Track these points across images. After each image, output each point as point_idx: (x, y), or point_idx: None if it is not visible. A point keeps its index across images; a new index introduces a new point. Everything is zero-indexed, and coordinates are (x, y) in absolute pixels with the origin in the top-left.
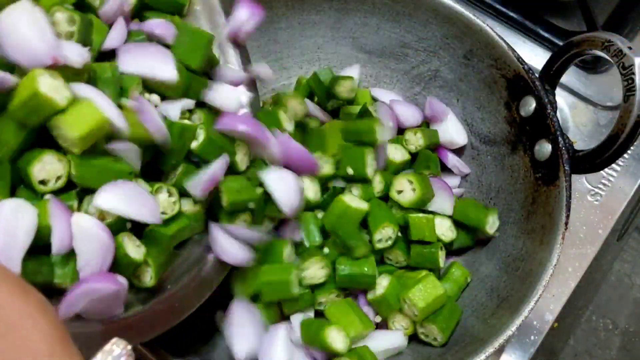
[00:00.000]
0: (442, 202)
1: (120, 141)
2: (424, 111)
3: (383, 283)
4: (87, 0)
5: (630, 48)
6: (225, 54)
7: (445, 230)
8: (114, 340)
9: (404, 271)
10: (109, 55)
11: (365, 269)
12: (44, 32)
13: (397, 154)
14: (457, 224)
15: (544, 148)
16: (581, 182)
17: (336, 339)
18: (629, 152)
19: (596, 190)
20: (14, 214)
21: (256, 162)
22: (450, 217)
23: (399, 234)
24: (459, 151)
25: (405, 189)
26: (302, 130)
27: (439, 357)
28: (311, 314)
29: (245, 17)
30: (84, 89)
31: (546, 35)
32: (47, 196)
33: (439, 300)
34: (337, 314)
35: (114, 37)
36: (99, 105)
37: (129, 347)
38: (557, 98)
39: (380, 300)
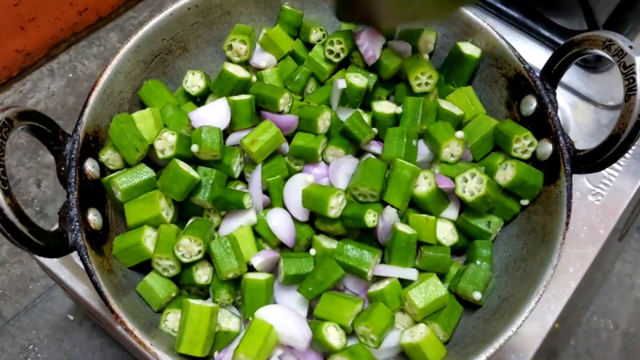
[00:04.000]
0: (450, 209)
1: None
2: None
3: (385, 280)
4: None
5: (631, 47)
6: None
7: (446, 233)
8: None
9: None
10: None
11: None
12: None
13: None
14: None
15: (545, 148)
16: (582, 182)
17: (333, 335)
18: (630, 151)
19: (597, 190)
20: None
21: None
22: (452, 220)
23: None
24: None
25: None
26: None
27: None
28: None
29: None
30: None
31: (547, 34)
32: None
33: (440, 301)
34: (325, 307)
35: None
36: None
37: None
38: (558, 97)
39: (379, 295)
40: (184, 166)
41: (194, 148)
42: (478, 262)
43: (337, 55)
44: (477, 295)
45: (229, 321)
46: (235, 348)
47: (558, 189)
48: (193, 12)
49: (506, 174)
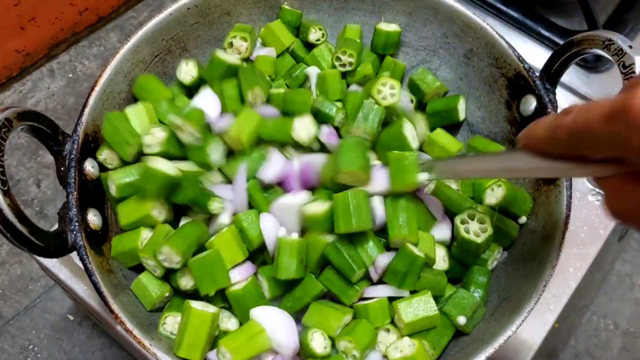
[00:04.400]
0: (441, 230)
1: None
2: None
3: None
4: None
5: (630, 47)
6: None
7: (438, 259)
8: None
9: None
10: None
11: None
12: None
13: None
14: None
15: None
16: (582, 181)
17: (317, 342)
18: None
19: (597, 190)
20: None
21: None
22: (446, 247)
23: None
24: None
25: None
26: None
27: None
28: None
29: None
30: None
31: (547, 34)
32: None
33: (430, 320)
34: (313, 316)
35: None
36: None
37: None
38: (558, 97)
39: (363, 310)
40: (161, 165)
41: (175, 120)
42: (472, 289)
43: (344, 65)
44: (461, 320)
45: (227, 321)
46: (221, 339)
47: (558, 189)
48: (193, 12)
49: (495, 195)
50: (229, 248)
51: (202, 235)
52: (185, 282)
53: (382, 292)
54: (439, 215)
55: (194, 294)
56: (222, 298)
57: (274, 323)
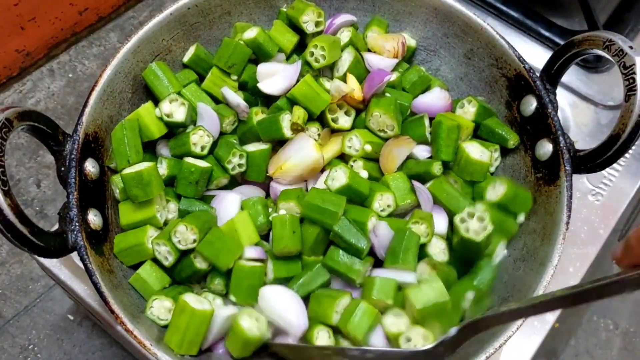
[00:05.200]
0: (437, 222)
1: None
2: None
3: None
4: None
5: (631, 47)
6: None
7: (438, 252)
8: None
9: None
10: None
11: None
12: None
13: None
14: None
15: (545, 148)
16: (582, 182)
17: (322, 339)
18: (630, 151)
19: (597, 190)
20: None
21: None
22: (447, 240)
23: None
24: None
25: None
26: None
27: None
28: None
29: None
30: None
31: (547, 34)
32: None
33: (440, 306)
34: (313, 307)
35: None
36: None
37: None
38: (558, 97)
39: (369, 283)
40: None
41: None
42: (475, 283)
43: (317, 60)
44: (469, 295)
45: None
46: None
47: (558, 189)
48: (193, 12)
49: (496, 191)
50: (246, 227)
51: (212, 219)
52: (201, 261)
53: (389, 275)
54: (427, 206)
55: (190, 288)
56: (224, 285)
57: (285, 303)
